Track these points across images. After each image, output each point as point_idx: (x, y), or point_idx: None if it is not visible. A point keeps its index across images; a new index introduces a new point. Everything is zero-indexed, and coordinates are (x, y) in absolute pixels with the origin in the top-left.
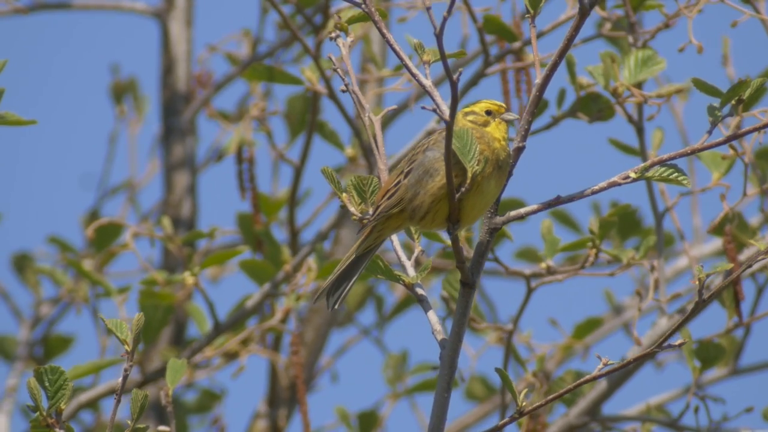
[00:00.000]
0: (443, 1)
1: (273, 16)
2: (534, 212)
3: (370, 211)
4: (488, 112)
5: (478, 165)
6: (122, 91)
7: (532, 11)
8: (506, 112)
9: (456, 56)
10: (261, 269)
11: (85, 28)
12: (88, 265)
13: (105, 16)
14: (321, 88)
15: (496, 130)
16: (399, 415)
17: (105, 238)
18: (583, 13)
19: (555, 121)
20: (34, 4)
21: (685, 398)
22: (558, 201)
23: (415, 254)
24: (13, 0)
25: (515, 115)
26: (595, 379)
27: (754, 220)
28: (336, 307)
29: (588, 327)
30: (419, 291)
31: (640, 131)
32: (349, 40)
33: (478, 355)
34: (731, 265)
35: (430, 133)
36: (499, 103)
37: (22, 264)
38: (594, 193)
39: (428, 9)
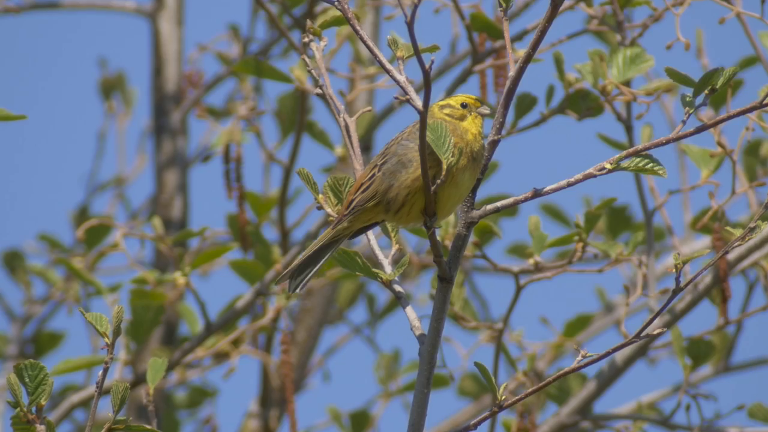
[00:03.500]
0: None
1: (264, 14)
2: (510, 206)
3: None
4: (464, 105)
5: (453, 157)
6: (110, 87)
7: (504, 4)
8: (482, 106)
9: (429, 51)
10: (251, 269)
11: (76, 28)
12: (78, 263)
13: (96, 15)
14: (310, 87)
15: (472, 124)
16: (391, 414)
17: (95, 235)
18: (555, 4)
19: (544, 118)
20: (25, 4)
21: (677, 396)
22: (535, 194)
23: (393, 252)
24: (4, 0)
25: (490, 110)
26: (574, 371)
27: (743, 216)
28: (297, 290)
29: (578, 324)
30: (397, 288)
31: (629, 129)
32: (322, 44)
33: (470, 354)
34: (707, 250)
35: None
36: (474, 96)
37: (12, 262)
38: (570, 185)
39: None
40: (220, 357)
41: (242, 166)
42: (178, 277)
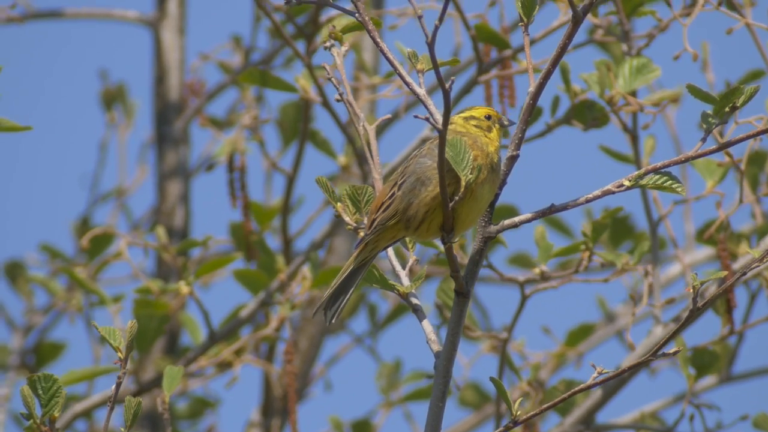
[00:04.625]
0: (435, 8)
1: (265, 23)
2: (528, 221)
3: (365, 222)
4: (488, 117)
5: (471, 173)
6: (112, 98)
7: (525, 19)
8: (502, 118)
9: (449, 64)
10: (255, 278)
11: (78, 38)
12: (80, 273)
13: (98, 25)
14: (314, 96)
15: (496, 136)
16: (393, 424)
17: (97, 245)
18: (577, 21)
19: (549, 128)
20: (27, 13)
21: (679, 405)
22: (552, 209)
23: (410, 264)
24: (7, 9)
25: (513, 121)
26: (590, 387)
27: (746, 226)
28: (333, 321)
29: (581, 333)
30: (414, 300)
31: (634, 139)
32: (343, 49)
33: (472, 363)
34: (725, 273)
35: (424, 141)
36: (494, 110)
37: (14, 272)
38: (588, 201)
39: (419, 18)
40: (223, 366)
41: (246, 175)
42: (182, 287)
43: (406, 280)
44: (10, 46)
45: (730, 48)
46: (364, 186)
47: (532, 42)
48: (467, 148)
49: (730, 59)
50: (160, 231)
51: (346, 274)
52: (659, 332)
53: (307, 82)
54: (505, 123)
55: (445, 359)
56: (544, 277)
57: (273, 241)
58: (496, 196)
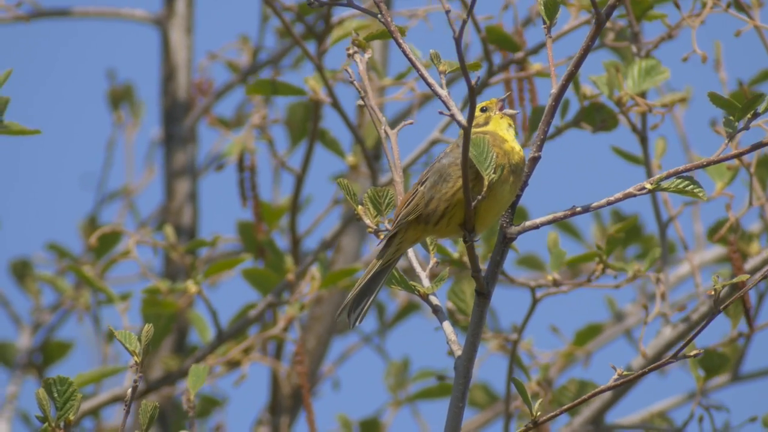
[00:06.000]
0: (447, 10)
1: (273, 23)
2: (549, 222)
3: (385, 224)
4: (483, 109)
5: (494, 173)
6: (119, 97)
7: (548, 21)
8: (505, 108)
9: (473, 68)
10: (264, 278)
11: (85, 36)
12: (88, 271)
13: (105, 23)
14: (324, 97)
15: (497, 125)
16: (401, 422)
17: (104, 244)
18: (599, 23)
19: (558, 130)
20: (34, 12)
21: (688, 405)
22: (574, 212)
23: (430, 265)
24: (14, 7)
25: (514, 111)
26: (610, 389)
27: (754, 227)
28: (357, 324)
29: (589, 333)
30: (434, 301)
31: (643, 140)
32: (367, 55)
33: (480, 363)
34: (747, 277)
35: (433, 143)
36: (494, 99)
37: (21, 271)
38: (610, 203)
39: (447, 12)
40: (231, 365)
41: (256, 175)
42: (190, 286)
43: (426, 282)
44: (18, 45)
45: (738, 50)
46: (385, 188)
47: (542, 45)
48: (491, 147)
49: (739, 61)
50: (168, 230)
51: (369, 276)
52: (668, 333)
53: (317, 84)
54: (510, 112)
55: (466, 360)
56: (556, 284)
57: (281, 241)
58: (518, 197)
